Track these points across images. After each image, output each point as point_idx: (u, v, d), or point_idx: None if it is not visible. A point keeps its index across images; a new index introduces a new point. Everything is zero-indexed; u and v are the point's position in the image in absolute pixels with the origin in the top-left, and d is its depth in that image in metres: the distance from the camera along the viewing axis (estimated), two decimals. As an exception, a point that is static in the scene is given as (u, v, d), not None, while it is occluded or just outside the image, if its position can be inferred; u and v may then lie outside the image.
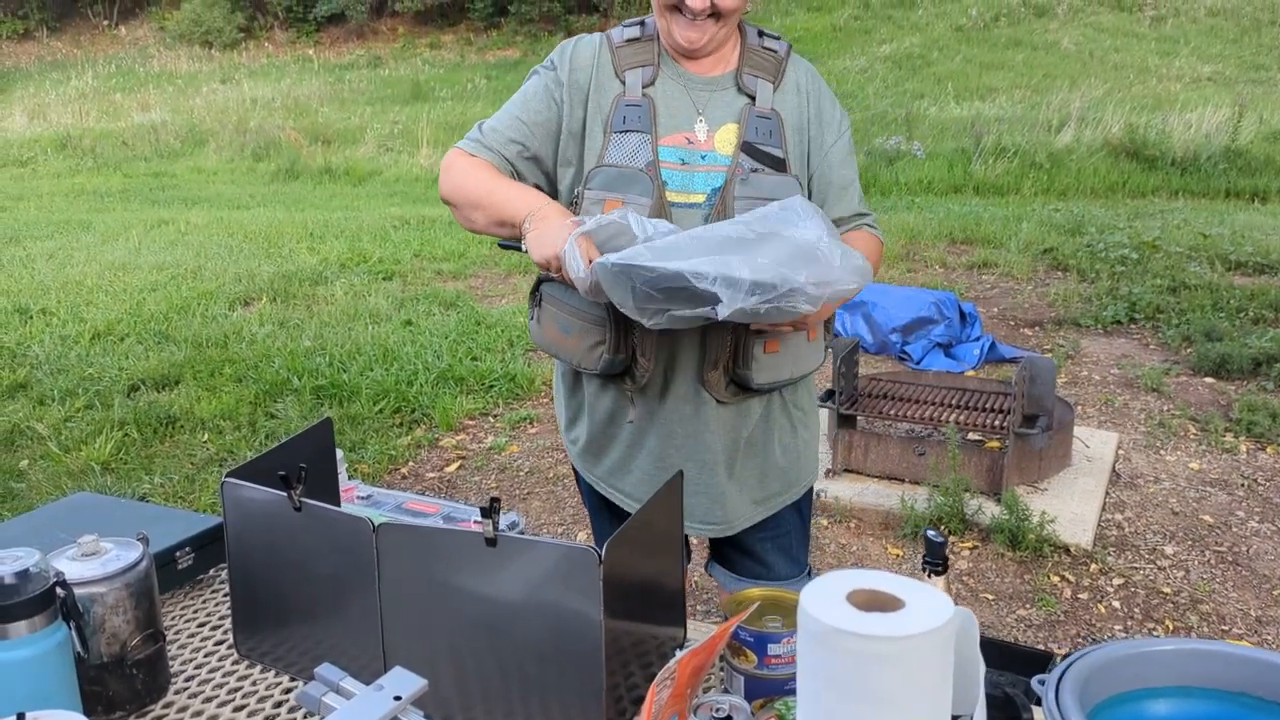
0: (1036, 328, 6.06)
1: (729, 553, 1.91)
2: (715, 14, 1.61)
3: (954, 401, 4.09)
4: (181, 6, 27.31)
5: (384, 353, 5.48)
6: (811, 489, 1.93)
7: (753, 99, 1.69)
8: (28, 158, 16.26)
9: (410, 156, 14.10)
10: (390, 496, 2.00)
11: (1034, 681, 0.97)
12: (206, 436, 4.50)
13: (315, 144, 15.00)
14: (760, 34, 1.76)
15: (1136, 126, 11.62)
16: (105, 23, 29.18)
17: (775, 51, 1.73)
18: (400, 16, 26.01)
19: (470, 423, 4.75)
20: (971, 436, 4.01)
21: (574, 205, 1.67)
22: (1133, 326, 6.00)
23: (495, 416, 4.83)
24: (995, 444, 3.97)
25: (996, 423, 3.84)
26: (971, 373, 5.19)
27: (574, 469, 1.94)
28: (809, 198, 1.72)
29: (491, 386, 5.11)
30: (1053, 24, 19.31)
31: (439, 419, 4.70)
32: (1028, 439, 3.77)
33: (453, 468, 4.28)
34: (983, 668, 0.90)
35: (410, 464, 4.32)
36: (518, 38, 24.18)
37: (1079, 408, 4.63)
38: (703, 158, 1.67)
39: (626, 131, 1.65)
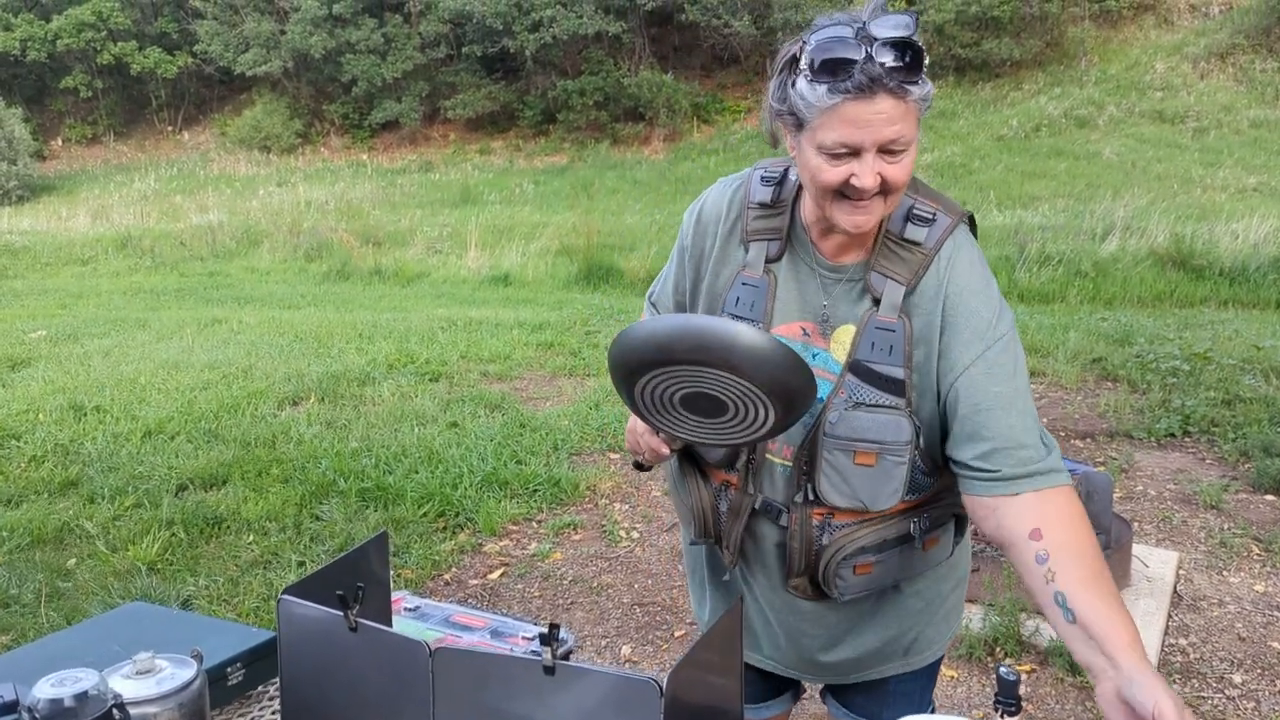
0: (1088, 439, 5.95)
1: (847, 688, 1.71)
2: (884, 190, 1.33)
3: (1007, 516, 4.00)
4: (243, 113, 28.45)
5: (429, 455, 5.49)
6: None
7: (878, 303, 1.41)
8: (89, 257, 16.77)
9: (458, 258, 14.35)
10: (438, 609, 1.99)
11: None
12: (252, 538, 4.51)
13: (366, 245, 15.35)
14: (909, 215, 1.41)
15: (1182, 236, 11.58)
16: (170, 128, 30.43)
17: (919, 244, 1.40)
18: (452, 123, 26.88)
19: (514, 528, 4.72)
20: (1025, 552, 3.90)
21: None
22: (1187, 440, 5.87)
23: (539, 522, 4.80)
24: (1050, 561, 3.86)
25: (1051, 539, 3.74)
26: (1022, 485, 5.09)
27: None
28: (940, 422, 1.42)
29: (535, 491, 5.08)
30: (1094, 134, 19.49)
31: (482, 524, 4.67)
32: (1084, 556, 3.66)
33: (496, 575, 4.24)
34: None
35: (453, 569, 4.29)
36: (565, 144, 24.85)
37: (1136, 525, 4.51)
38: (814, 357, 1.45)
39: (738, 317, 1.46)
